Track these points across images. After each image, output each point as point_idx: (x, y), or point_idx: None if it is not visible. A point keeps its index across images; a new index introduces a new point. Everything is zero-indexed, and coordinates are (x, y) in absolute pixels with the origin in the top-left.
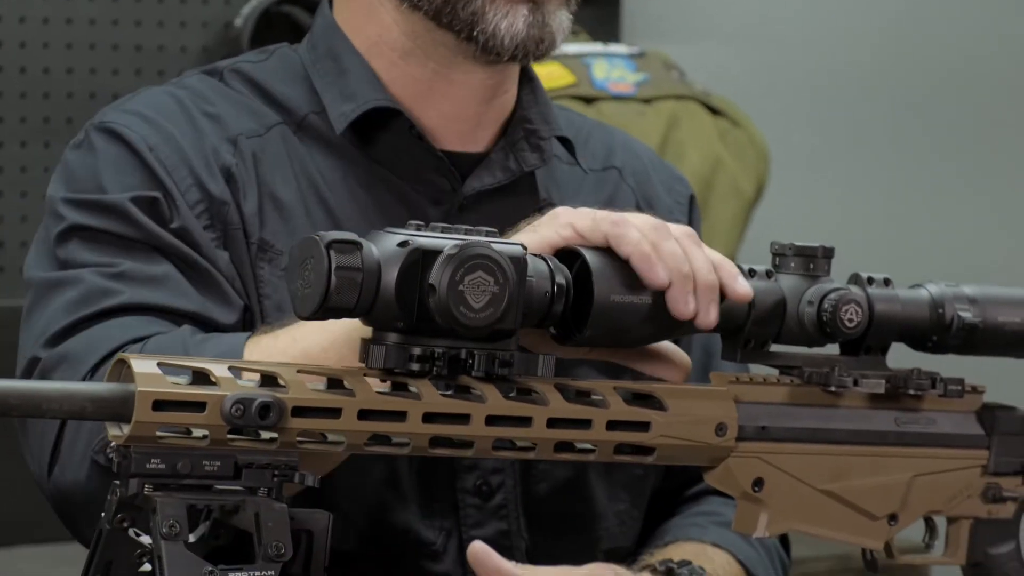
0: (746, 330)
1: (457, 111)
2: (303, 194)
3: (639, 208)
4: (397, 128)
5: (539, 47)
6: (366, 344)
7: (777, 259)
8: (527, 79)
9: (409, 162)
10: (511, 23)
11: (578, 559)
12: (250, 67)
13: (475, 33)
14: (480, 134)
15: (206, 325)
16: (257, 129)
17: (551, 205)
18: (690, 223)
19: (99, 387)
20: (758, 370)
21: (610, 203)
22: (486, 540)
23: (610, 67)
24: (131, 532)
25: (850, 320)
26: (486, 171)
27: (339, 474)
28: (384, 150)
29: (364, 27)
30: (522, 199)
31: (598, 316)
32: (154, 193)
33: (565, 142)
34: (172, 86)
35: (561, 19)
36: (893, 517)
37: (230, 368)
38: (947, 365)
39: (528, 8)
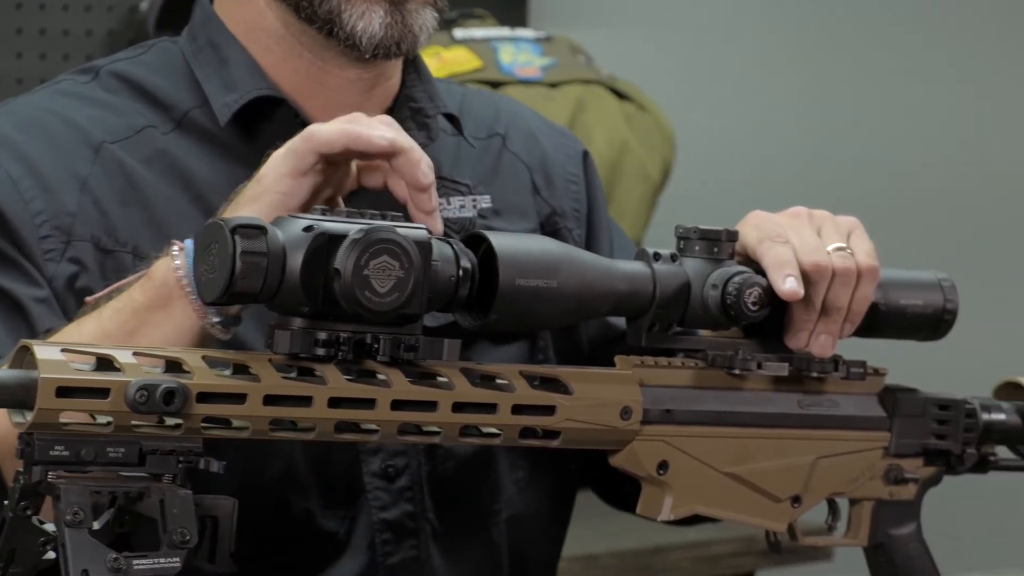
0: (651, 313)
1: (338, 101)
2: (177, 196)
3: (529, 171)
4: (281, 117)
5: (400, 47)
6: (271, 329)
7: (682, 242)
8: (409, 59)
9: None
10: (367, 24)
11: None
12: (128, 65)
13: (335, 31)
14: None
15: None
16: (125, 132)
17: (440, 178)
18: (586, 177)
19: (1, 374)
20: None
21: (495, 171)
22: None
23: (517, 51)
24: (35, 520)
25: (754, 303)
26: None
27: (232, 475)
28: (269, 140)
29: (239, 12)
30: None
31: (503, 300)
32: None
33: (451, 119)
34: (42, 93)
35: (425, 17)
36: (796, 499)
37: (135, 354)
38: (849, 348)
39: (385, 9)
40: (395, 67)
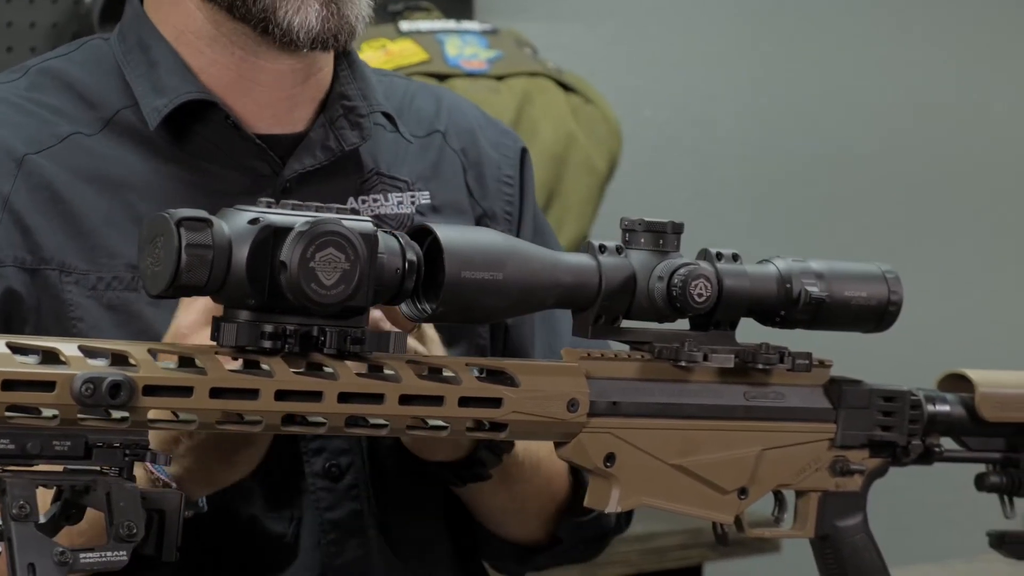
0: (597, 306)
1: (270, 97)
2: (104, 204)
3: (464, 170)
4: (212, 118)
5: (338, 38)
6: (217, 322)
7: (627, 235)
8: (344, 53)
9: (227, 151)
10: (304, 18)
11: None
12: (59, 64)
13: (270, 28)
14: (297, 114)
15: None
16: (49, 141)
17: (378, 175)
18: (521, 177)
19: None
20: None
21: (435, 168)
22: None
23: (463, 44)
24: None
25: (699, 295)
26: (306, 152)
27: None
28: (200, 141)
29: (169, 16)
30: (347, 176)
31: (449, 293)
32: None
33: (387, 116)
34: None
35: (360, 6)
36: (743, 491)
37: (80, 347)
38: (795, 340)
39: (320, 1)
40: (327, 56)
